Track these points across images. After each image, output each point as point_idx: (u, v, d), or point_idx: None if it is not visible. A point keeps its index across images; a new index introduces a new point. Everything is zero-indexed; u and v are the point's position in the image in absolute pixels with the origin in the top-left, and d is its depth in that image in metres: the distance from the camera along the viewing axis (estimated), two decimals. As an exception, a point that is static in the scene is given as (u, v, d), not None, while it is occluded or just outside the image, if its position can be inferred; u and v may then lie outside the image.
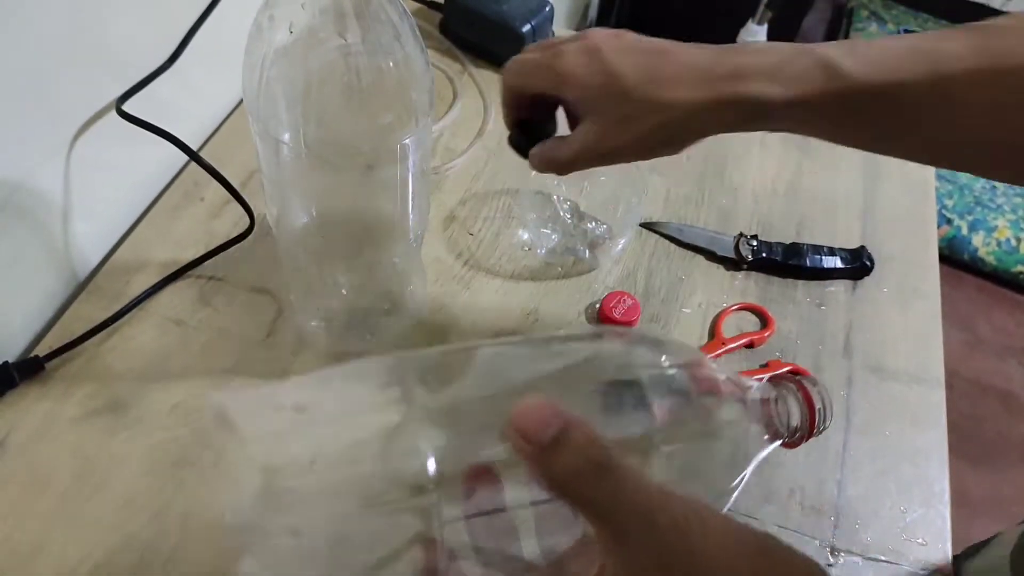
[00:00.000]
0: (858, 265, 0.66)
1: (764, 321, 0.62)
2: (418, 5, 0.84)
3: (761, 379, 0.39)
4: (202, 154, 0.58)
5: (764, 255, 0.66)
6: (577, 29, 1.89)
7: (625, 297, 0.61)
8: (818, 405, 0.36)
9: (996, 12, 2.45)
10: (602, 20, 2.03)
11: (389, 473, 0.30)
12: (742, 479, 0.35)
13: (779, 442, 0.36)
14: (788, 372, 0.38)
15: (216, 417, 0.30)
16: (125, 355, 0.54)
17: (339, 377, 0.33)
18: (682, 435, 0.33)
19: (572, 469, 0.25)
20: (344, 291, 0.54)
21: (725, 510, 0.35)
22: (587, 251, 0.64)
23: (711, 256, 0.66)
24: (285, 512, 0.29)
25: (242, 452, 0.30)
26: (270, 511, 0.29)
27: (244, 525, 0.29)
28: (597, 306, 0.61)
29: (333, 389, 0.33)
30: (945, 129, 0.39)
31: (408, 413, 0.32)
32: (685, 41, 0.42)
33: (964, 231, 1.89)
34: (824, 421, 0.36)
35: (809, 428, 0.36)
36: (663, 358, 0.35)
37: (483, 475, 0.30)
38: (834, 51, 0.39)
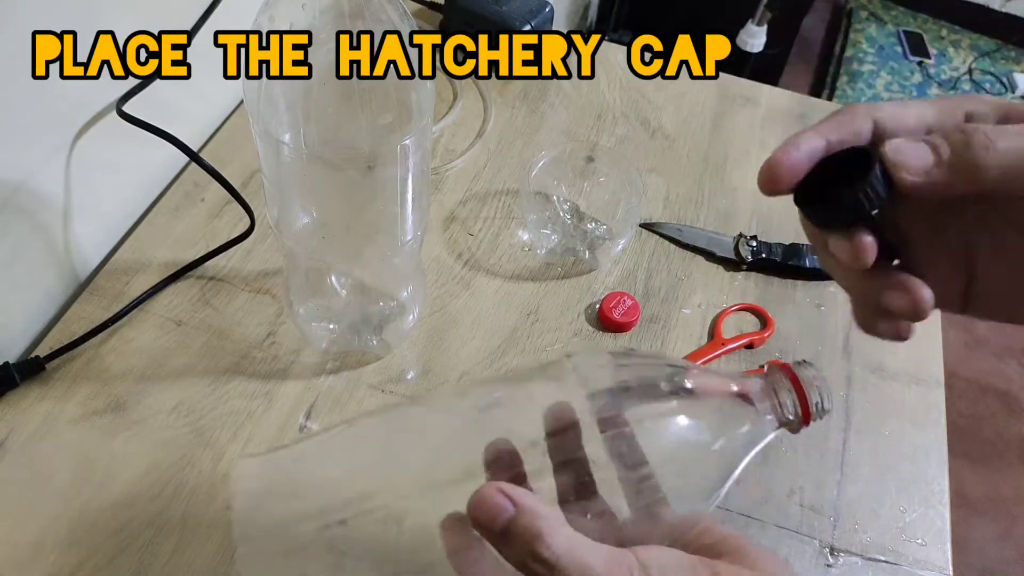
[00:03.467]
0: (857, 265, 0.66)
1: (764, 322, 0.63)
2: (418, 6, 0.84)
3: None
4: (202, 155, 0.58)
5: (764, 255, 0.66)
6: (577, 30, 1.89)
7: (625, 298, 0.61)
8: (811, 393, 0.35)
9: (996, 13, 2.45)
10: (602, 20, 2.03)
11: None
12: (736, 474, 0.35)
13: (774, 433, 0.36)
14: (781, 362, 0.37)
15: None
16: (125, 355, 0.55)
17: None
18: (666, 447, 0.34)
19: (518, 560, 0.28)
20: (344, 291, 0.54)
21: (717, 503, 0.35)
22: (587, 251, 0.64)
23: (711, 256, 0.66)
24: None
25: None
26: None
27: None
28: (597, 306, 0.62)
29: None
30: None
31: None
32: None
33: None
34: (821, 405, 0.35)
35: (803, 412, 0.35)
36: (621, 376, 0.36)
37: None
38: None
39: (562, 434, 0.33)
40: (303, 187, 0.45)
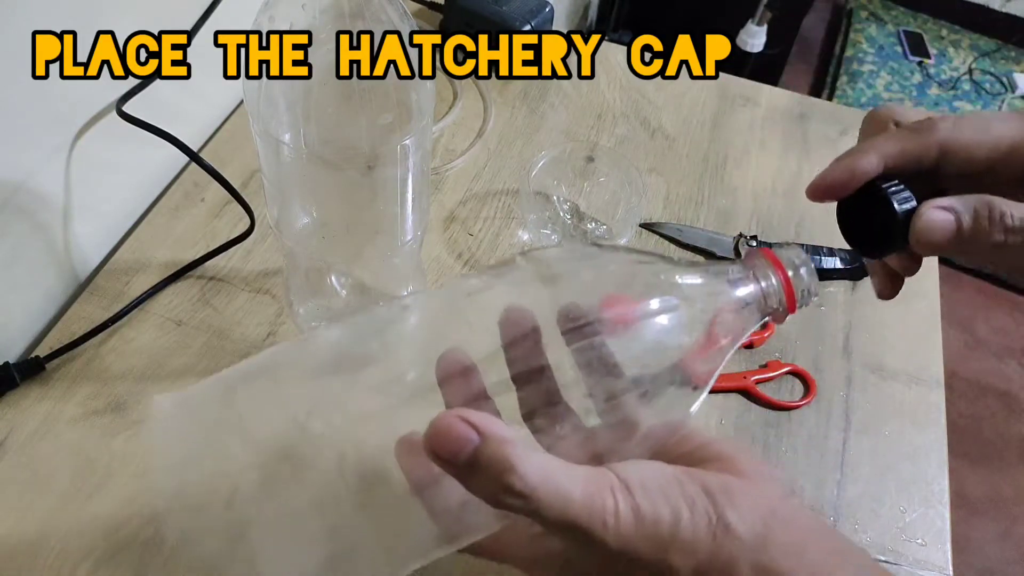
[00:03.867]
0: (858, 265, 0.66)
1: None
2: (418, 6, 0.84)
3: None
4: (202, 155, 0.58)
5: (764, 255, 0.66)
6: (577, 30, 1.89)
7: (625, 297, 0.61)
8: (796, 279, 0.32)
9: (996, 13, 2.45)
10: (602, 20, 2.03)
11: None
12: (717, 372, 0.32)
13: (758, 324, 0.33)
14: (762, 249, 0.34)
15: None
16: (125, 355, 0.55)
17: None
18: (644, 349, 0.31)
19: (489, 493, 0.26)
20: (344, 291, 0.54)
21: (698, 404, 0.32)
22: (587, 251, 0.64)
23: (711, 256, 0.66)
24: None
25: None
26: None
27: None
28: (597, 306, 0.61)
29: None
30: None
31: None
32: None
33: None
34: (808, 291, 0.32)
35: (788, 300, 0.32)
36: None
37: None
38: None
39: (521, 342, 0.30)
40: (303, 187, 0.45)
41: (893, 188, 0.34)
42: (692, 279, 0.32)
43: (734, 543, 0.27)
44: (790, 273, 0.32)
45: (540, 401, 0.30)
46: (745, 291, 0.32)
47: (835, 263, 0.66)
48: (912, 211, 0.33)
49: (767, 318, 0.33)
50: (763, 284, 0.32)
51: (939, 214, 0.32)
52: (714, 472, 0.29)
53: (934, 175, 0.35)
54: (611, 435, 0.30)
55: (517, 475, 0.25)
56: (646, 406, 0.30)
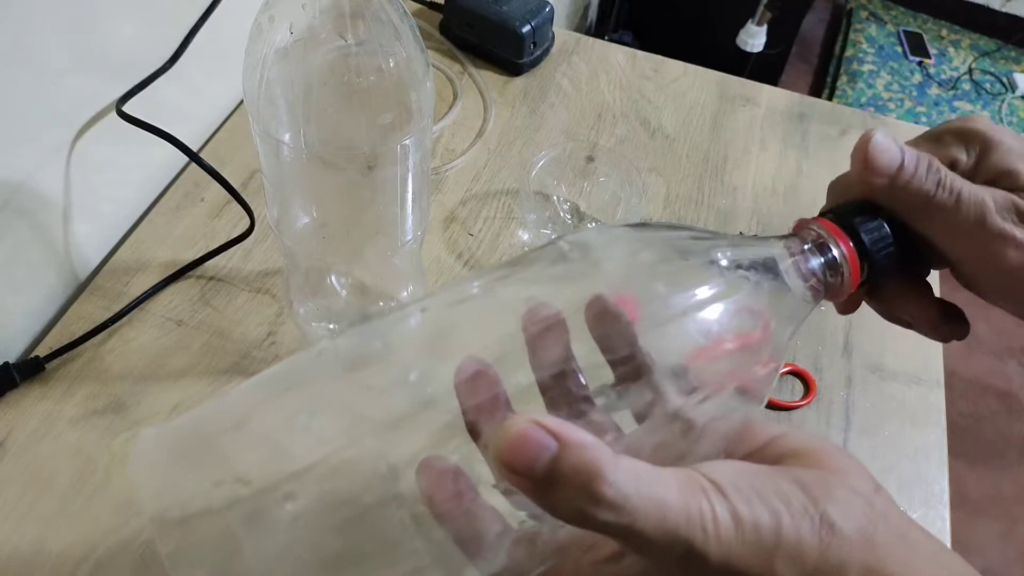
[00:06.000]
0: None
1: (764, 321, 0.62)
2: (418, 5, 0.84)
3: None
4: (202, 155, 0.58)
5: (764, 255, 0.65)
6: (576, 30, 1.89)
7: (626, 297, 0.61)
8: (865, 237, 0.29)
9: (996, 13, 2.45)
10: (602, 20, 2.03)
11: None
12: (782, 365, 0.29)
13: (814, 304, 0.31)
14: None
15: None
16: (125, 355, 0.55)
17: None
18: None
19: (574, 508, 0.22)
20: (344, 291, 0.54)
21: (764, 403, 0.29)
22: (587, 251, 0.64)
23: (711, 256, 0.66)
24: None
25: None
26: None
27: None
28: (597, 306, 0.61)
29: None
30: None
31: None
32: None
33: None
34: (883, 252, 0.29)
35: (853, 270, 0.30)
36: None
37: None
38: None
39: (545, 340, 0.27)
40: (303, 187, 0.45)
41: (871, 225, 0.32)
42: (755, 278, 0.29)
43: (842, 545, 0.24)
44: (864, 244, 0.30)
45: (567, 407, 0.27)
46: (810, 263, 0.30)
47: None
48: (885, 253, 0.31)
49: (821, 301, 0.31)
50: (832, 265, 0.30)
51: (887, 143, 0.31)
52: (799, 468, 0.26)
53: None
54: (663, 442, 0.27)
55: (607, 482, 0.22)
56: (704, 404, 0.27)
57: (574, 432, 0.22)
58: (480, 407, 0.27)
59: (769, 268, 0.30)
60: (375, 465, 0.26)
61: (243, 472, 0.26)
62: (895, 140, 0.31)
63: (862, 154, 0.31)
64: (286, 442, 0.26)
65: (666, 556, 0.23)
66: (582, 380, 0.27)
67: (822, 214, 0.33)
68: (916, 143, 0.34)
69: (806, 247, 0.31)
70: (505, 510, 0.27)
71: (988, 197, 0.30)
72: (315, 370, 0.29)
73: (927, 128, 0.35)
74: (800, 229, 0.32)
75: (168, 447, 0.27)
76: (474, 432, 0.27)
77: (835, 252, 0.30)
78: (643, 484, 0.22)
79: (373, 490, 0.26)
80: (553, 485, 0.22)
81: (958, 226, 0.31)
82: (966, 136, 0.33)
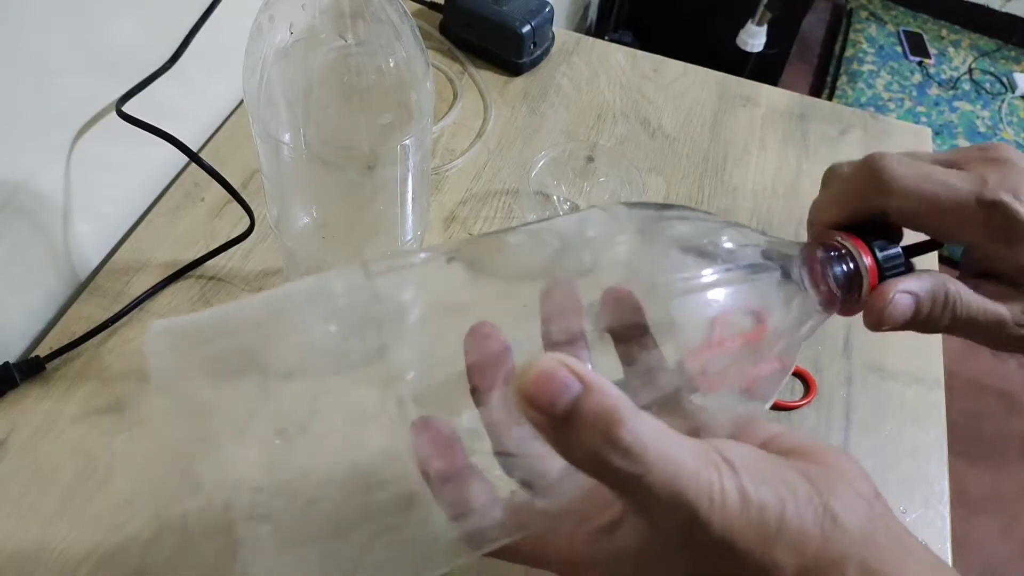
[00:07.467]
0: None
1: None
2: (418, 5, 0.84)
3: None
4: (202, 155, 0.58)
5: (764, 255, 0.65)
6: (576, 30, 1.89)
7: (636, 284, 0.61)
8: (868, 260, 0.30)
9: (996, 13, 2.45)
10: (602, 20, 2.03)
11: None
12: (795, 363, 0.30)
13: (827, 312, 0.31)
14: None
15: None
16: (126, 355, 0.55)
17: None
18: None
19: (589, 450, 0.22)
20: (344, 291, 0.54)
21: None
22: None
23: (711, 256, 0.66)
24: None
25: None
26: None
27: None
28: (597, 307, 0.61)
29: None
30: None
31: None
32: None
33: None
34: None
35: (872, 275, 0.30)
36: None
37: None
38: None
39: (560, 319, 0.28)
40: (303, 187, 0.45)
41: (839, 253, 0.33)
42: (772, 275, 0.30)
43: (843, 537, 0.24)
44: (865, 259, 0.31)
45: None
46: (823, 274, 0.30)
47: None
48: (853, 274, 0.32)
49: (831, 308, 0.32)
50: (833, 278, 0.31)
51: (904, 299, 0.32)
52: (803, 462, 0.26)
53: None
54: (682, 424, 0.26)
55: (627, 428, 0.22)
56: (706, 399, 0.28)
57: (600, 379, 0.22)
58: (484, 365, 0.27)
59: (788, 270, 0.31)
60: (384, 397, 0.26)
61: (269, 363, 0.25)
62: (907, 288, 0.32)
63: (877, 314, 0.32)
64: (310, 351, 0.26)
65: (668, 520, 0.23)
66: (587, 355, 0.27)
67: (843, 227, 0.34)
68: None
69: (832, 254, 0.32)
70: (497, 477, 0.27)
71: (1005, 312, 0.32)
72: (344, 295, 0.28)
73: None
74: (823, 239, 0.33)
75: (188, 333, 0.26)
76: (476, 395, 0.27)
77: (857, 263, 0.31)
78: (661, 441, 0.22)
79: (382, 426, 0.26)
80: (571, 425, 0.22)
81: (978, 334, 0.33)
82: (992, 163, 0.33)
